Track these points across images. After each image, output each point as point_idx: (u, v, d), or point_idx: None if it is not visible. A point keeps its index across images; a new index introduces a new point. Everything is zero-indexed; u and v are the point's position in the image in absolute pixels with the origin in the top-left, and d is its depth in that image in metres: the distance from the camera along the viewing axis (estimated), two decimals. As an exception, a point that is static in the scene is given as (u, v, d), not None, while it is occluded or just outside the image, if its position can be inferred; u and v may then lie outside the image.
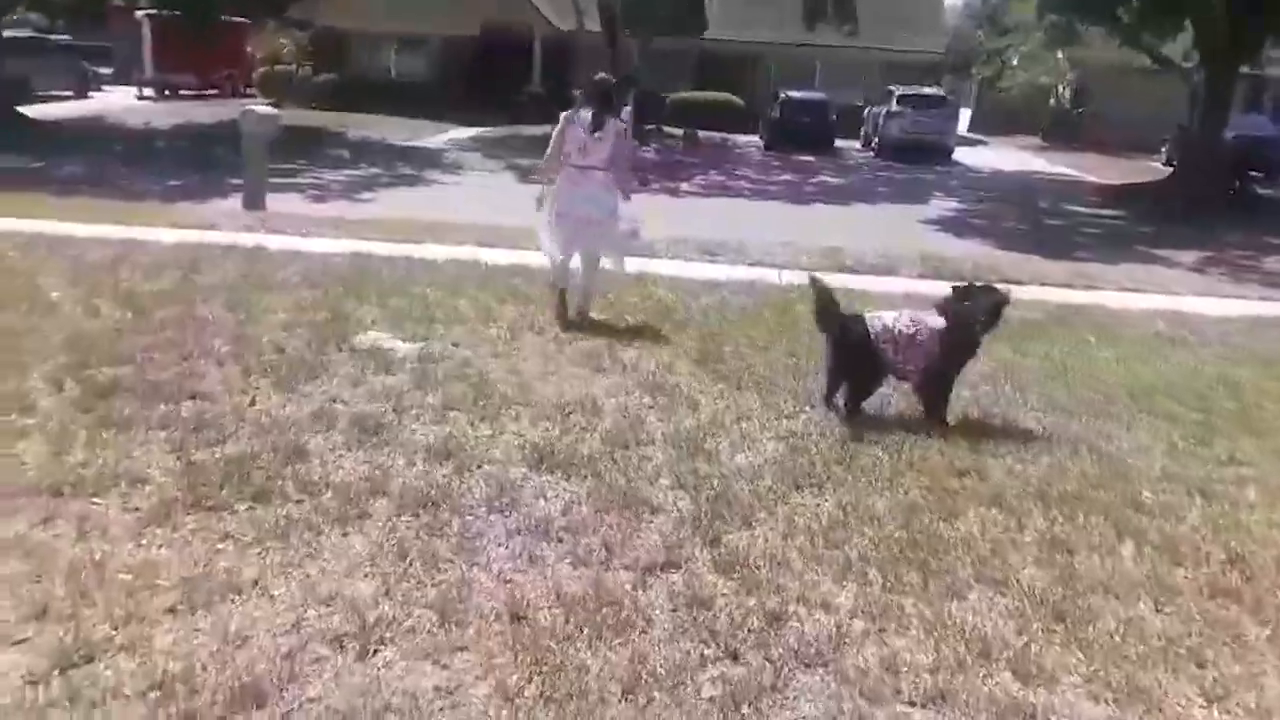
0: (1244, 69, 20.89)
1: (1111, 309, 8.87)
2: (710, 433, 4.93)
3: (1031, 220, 17.37)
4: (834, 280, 9.22)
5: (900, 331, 5.17)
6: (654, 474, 4.40)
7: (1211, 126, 20.11)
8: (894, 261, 10.53)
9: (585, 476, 4.32)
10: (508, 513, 3.95)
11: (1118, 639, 3.29)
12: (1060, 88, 36.47)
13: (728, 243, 11.01)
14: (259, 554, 3.52)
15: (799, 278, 9.49)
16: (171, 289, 7.24)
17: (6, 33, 26.30)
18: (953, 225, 16.44)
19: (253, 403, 4.95)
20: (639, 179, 19.63)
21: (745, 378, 5.86)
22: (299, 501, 3.93)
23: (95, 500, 3.85)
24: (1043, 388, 6.00)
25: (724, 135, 29.53)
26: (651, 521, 3.95)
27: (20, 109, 23.73)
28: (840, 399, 5.30)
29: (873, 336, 5.17)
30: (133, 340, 5.83)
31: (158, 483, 4.01)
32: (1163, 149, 28.33)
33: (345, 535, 3.69)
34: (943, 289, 9.41)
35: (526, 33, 32.49)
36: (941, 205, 18.68)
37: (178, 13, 29.45)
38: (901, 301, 8.01)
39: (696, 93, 32.69)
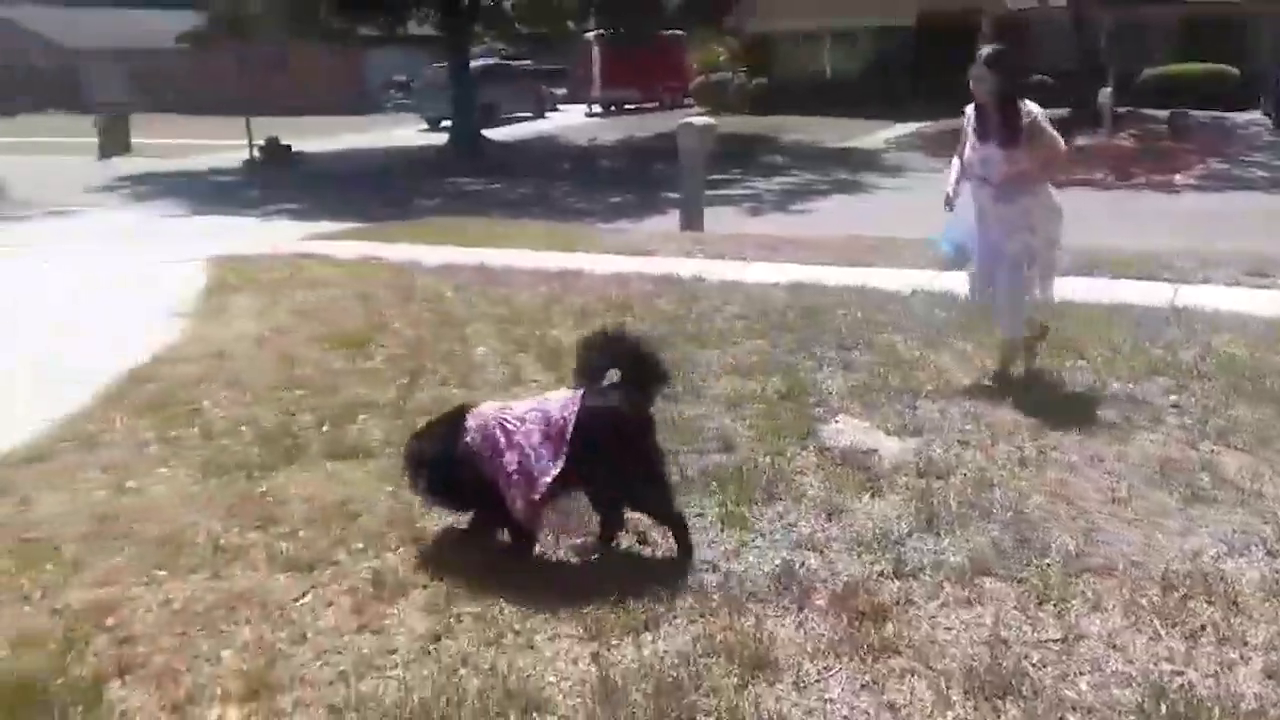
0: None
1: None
2: None
3: None
4: None
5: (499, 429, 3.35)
6: None
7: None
8: None
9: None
10: None
11: None
12: None
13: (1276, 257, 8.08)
14: None
15: None
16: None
17: (478, 62, 28.66)
18: None
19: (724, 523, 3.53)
20: (1116, 172, 16.76)
21: None
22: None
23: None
24: None
25: (1217, 114, 24.51)
26: None
27: (486, 133, 25.57)
28: None
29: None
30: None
31: None
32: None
33: None
34: None
35: (972, 16, 29.50)
36: None
37: (622, 30, 30.58)
38: None
39: (1178, 65, 27.61)
